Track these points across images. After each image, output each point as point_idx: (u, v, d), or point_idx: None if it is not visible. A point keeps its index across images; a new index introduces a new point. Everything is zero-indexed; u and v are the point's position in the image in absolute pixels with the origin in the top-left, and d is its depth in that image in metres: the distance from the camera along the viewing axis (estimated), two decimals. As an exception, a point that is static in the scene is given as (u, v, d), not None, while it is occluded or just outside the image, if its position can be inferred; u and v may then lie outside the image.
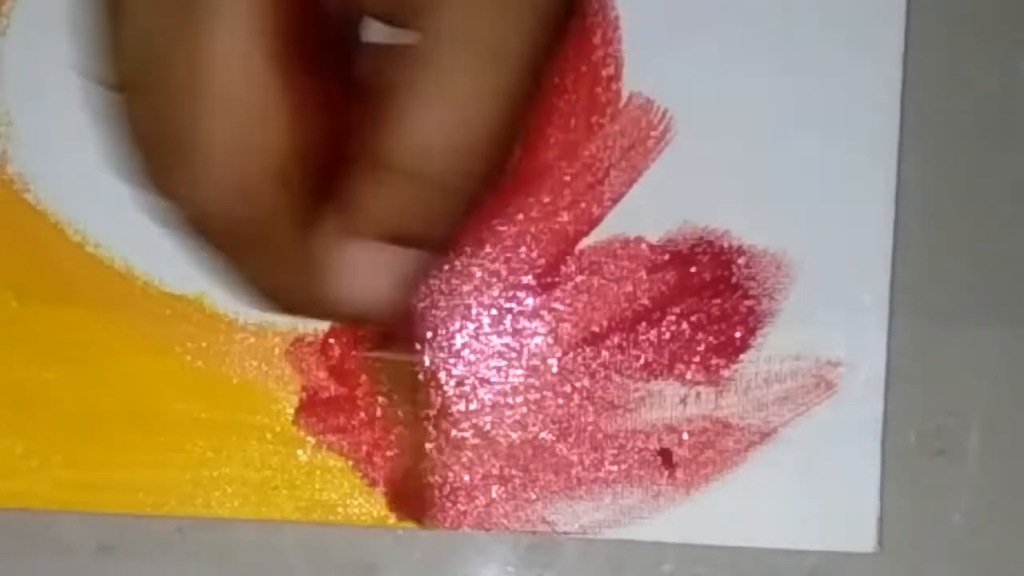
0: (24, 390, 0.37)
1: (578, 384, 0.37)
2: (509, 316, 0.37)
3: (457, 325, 0.37)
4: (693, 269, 0.37)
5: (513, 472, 0.37)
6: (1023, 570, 0.37)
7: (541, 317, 0.37)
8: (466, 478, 0.37)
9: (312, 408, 0.37)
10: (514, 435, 0.37)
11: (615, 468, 0.37)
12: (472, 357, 0.37)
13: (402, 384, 0.36)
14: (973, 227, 0.37)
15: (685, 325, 0.37)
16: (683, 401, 0.37)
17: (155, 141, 0.24)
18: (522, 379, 0.37)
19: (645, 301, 0.37)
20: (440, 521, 0.37)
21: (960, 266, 0.37)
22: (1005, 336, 0.37)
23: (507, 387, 0.37)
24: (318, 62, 0.24)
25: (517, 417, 0.37)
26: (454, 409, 0.37)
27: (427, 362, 0.37)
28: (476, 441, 0.37)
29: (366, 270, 0.25)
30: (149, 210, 0.25)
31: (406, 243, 0.25)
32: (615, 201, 0.37)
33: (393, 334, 0.37)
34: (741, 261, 0.37)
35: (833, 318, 0.37)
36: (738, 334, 0.37)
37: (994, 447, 0.37)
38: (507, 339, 0.37)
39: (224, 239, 0.24)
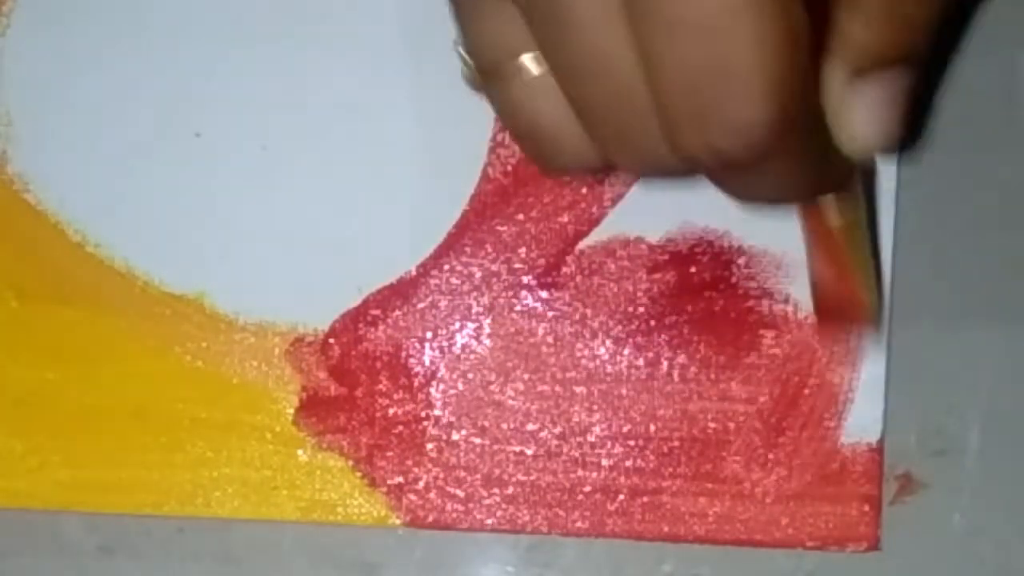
0: (24, 390, 0.37)
1: (579, 385, 0.37)
2: (509, 316, 0.37)
3: (457, 325, 0.37)
4: (693, 269, 0.37)
5: (513, 472, 0.37)
6: (1023, 570, 0.37)
7: (541, 317, 0.37)
8: (467, 478, 0.37)
9: (312, 408, 0.37)
10: (514, 435, 0.37)
11: (616, 468, 0.37)
12: (472, 357, 0.37)
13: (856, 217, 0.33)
14: (973, 227, 0.37)
15: (685, 325, 0.37)
16: (683, 401, 0.37)
17: (621, 108, 0.25)
18: (522, 379, 0.37)
19: (645, 301, 0.37)
20: (443, 519, 0.37)
21: (960, 266, 0.37)
22: (1005, 336, 0.37)
23: (507, 387, 0.37)
24: None
25: (518, 417, 0.37)
26: (455, 409, 0.37)
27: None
28: (477, 441, 0.37)
29: (877, 106, 0.27)
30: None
31: (896, 61, 0.26)
32: (615, 201, 0.37)
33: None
34: (741, 261, 0.37)
35: (833, 318, 0.37)
36: (738, 334, 0.37)
37: (994, 447, 0.37)
38: (507, 339, 0.37)
39: (750, 161, 0.24)
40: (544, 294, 0.37)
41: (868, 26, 0.25)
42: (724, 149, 0.23)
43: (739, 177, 0.25)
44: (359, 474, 0.37)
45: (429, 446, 0.37)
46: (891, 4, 0.25)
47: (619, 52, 0.24)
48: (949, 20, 0.27)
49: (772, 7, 0.22)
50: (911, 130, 0.28)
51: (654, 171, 0.27)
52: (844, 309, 0.35)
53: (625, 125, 0.25)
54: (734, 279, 0.37)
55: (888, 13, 0.25)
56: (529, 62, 0.26)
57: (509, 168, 0.37)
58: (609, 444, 0.37)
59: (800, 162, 0.26)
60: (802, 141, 0.25)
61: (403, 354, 0.37)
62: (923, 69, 0.27)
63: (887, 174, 0.37)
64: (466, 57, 0.28)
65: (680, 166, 0.25)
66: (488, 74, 0.27)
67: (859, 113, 0.27)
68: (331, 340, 0.37)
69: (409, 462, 0.37)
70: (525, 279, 0.37)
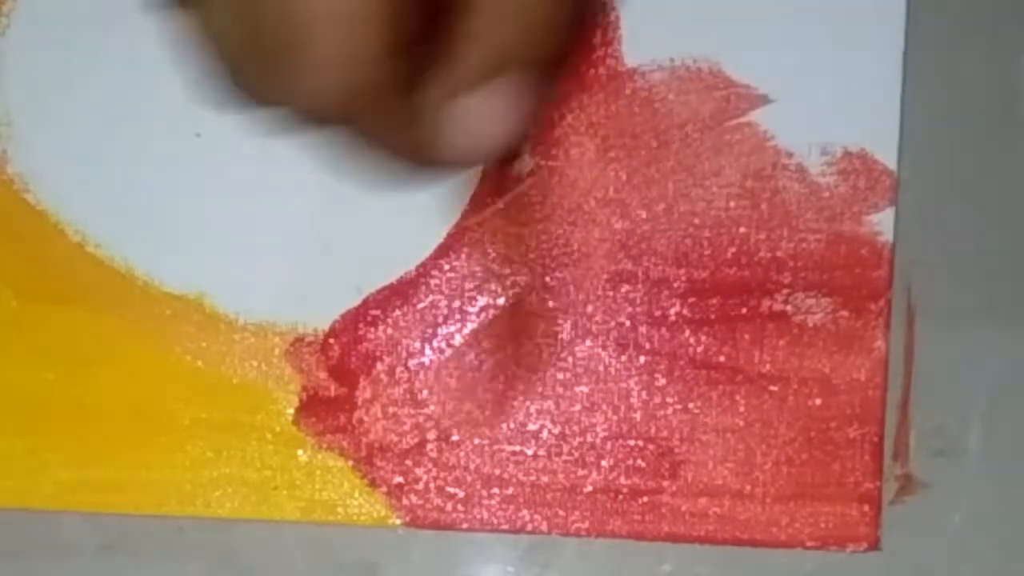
0: (24, 390, 0.37)
1: (579, 385, 0.37)
2: (509, 316, 0.37)
3: (457, 325, 0.37)
4: (693, 270, 0.37)
5: (514, 472, 0.37)
6: (1023, 570, 0.37)
7: (541, 317, 0.37)
8: (467, 478, 0.37)
9: (312, 408, 0.37)
10: (514, 435, 0.37)
11: (616, 468, 0.37)
12: (472, 357, 0.37)
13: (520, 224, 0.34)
14: (973, 227, 0.37)
15: (686, 325, 0.37)
16: (683, 401, 0.37)
17: (248, 52, 0.24)
18: (522, 379, 0.37)
19: (645, 301, 0.37)
20: (443, 519, 0.37)
21: (960, 266, 0.37)
22: (1005, 336, 0.37)
23: (507, 387, 0.37)
24: None
25: (519, 417, 0.37)
26: (455, 409, 0.37)
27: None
28: (476, 441, 0.37)
29: (483, 118, 0.26)
30: (256, 119, 0.26)
31: (514, 69, 0.25)
32: (615, 201, 0.37)
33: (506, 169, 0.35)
34: (741, 261, 0.37)
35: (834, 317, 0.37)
36: (738, 334, 0.37)
37: (994, 447, 0.37)
38: (507, 339, 0.37)
39: (339, 121, 0.25)
40: (544, 294, 0.37)
41: (479, 43, 0.25)
42: (298, 107, 0.25)
43: (345, 132, 0.26)
44: (359, 474, 0.37)
45: (429, 446, 0.37)
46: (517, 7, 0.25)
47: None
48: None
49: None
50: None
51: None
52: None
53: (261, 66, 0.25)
54: (734, 279, 0.37)
55: (514, 14, 0.25)
56: None
57: (509, 168, 0.37)
58: (609, 444, 0.37)
59: (391, 132, 0.26)
60: (385, 118, 0.25)
61: (403, 354, 0.37)
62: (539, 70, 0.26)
63: (887, 173, 0.37)
64: None
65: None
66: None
67: (459, 126, 0.26)
68: (331, 340, 0.37)
69: (409, 462, 0.37)
70: (525, 279, 0.37)
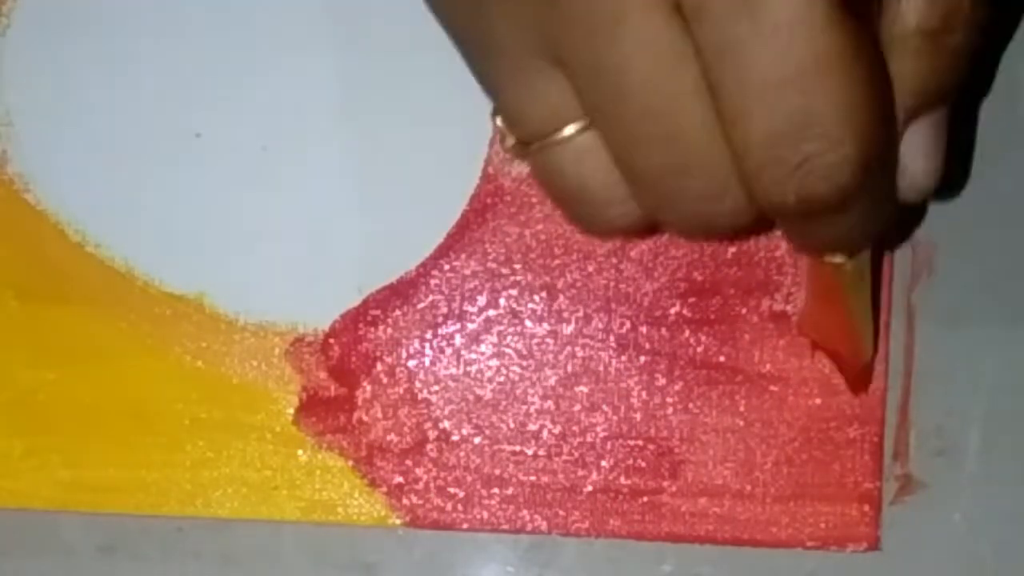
0: (24, 390, 0.37)
1: (579, 385, 0.37)
2: (509, 316, 0.37)
3: (457, 325, 0.37)
4: (694, 269, 0.37)
5: (514, 472, 0.37)
6: (1023, 570, 0.37)
7: (541, 317, 0.37)
8: (467, 478, 0.37)
9: (312, 408, 0.37)
10: (514, 435, 0.37)
11: (616, 468, 0.37)
12: (473, 356, 0.37)
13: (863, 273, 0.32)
14: (973, 227, 0.37)
15: (686, 325, 0.37)
16: (683, 401, 0.37)
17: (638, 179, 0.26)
18: (523, 379, 0.37)
19: (646, 301, 0.37)
20: (443, 519, 0.37)
21: (960, 266, 0.37)
22: (1005, 336, 0.37)
23: (508, 387, 0.37)
24: None
25: (519, 417, 0.37)
26: (455, 409, 0.37)
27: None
28: (477, 441, 0.37)
29: (929, 146, 0.26)
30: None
31: (936, 103, 0.25)
32: (615, 201, 0.37)
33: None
34: (742, 261, 0.37)
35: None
36: (738, 334, 0.37)
37: (994, 447, 0.37)
38: (508, 339, 0.37)
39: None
40: (544, 294, 0.37)
41: (918, 62, 0.25)
42: (814, 193, 0.23)
43: (817, 222, 0.25)
44: (359, 474, 0.37)
45: (429, 446, 0.37)
46: (937, 36, 0.25)
47: (682, 114, 0.23)
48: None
49: (854, 52, 0.22)
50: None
51: (704, 230, 0.26)
52: (838, 350, 0.35)
53: (681, 187, 0.25)
54: (735, 279, 0.37)
55: (935, 47, 0.25)
56: (577, 130, 0.26)
57: (509, 168, 0.37)
58: (609, 444, 0.37)
59: (875, 204, 0.25)
60: (879, 181, 0.25)
61: (403, 354, 0.37)
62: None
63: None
64: (503, 128, 0.28)
65: (728, 224, 0.25)
66: (531, 143, 0.27)
67: (915, 155, 0.26)
68: (331, 340, 0.37)
69: (409, 462, 0.37)
70: (525, 279, 0.37)
